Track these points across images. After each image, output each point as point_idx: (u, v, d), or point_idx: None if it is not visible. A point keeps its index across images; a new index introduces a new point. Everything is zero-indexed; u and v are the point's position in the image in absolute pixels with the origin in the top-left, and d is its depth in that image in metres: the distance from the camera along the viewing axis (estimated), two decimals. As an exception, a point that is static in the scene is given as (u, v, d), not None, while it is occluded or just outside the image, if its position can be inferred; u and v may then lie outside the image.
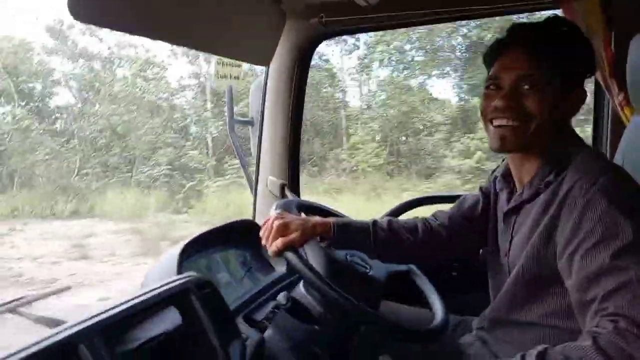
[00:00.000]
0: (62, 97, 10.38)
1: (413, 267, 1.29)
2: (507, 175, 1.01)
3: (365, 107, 10.93)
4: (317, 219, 1.07)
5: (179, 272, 1.08)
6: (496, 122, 0.89)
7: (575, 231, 0.77)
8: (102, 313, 0.76)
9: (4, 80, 9.26)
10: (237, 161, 1.83)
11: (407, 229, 1.12)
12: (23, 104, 9.54)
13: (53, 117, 10.03)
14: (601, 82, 1.52)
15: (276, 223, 1.00)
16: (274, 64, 1.53)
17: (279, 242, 0.98)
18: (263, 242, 1.02)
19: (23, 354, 0.62)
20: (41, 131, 9.14)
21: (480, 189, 1.14)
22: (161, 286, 0.90)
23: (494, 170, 1.10)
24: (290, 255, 0.96)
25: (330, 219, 1.08)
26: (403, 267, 1.27)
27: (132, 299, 0.83)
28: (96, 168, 8.98)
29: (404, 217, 1.60)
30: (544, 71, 0.85)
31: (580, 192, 0.78)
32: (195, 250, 1.24)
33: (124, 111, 9.51)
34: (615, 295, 0.70)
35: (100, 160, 9.10)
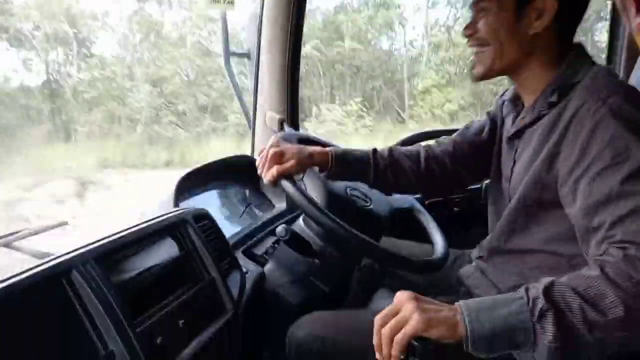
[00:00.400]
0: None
1: (415, 203, 1.26)
2: (514, 99, 0.96)
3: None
4: (315, 148, 1.03)
5: (176, 205, 1.06)
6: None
7: (582, 155, 0.73)
8: (96, 242, 0.74)
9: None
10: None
11: (409, 156, 1.08)
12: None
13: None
14: (617, 3, 1.43)
15: (271, 151, 0.96)
16: (269, -11, 1.43)
17: (274, 170, 0.94)
18: (259, 171, 0.98)
19: (14, 280, 0.60)
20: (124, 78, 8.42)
21: (488, 113, 1.08)
22: (157, 217, 0.87)
23: (502, 94, 1.05)
24: (285, 183, 0.93)
25: (329, 148, 1.04)
26: (406, 204, 1.25)
27: (128, 229, 0.81)
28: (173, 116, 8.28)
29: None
30: None
31: (588, 113, 0.74)
32: (191, 185, 1.21)
33: (193, 55, 8.57)
34: (624, 222, 0.67)
35: (181, 108, 8.41)
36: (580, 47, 0.86)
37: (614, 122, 0.71)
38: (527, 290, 0.65)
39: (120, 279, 0.73)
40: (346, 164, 1.03)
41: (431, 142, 1.14)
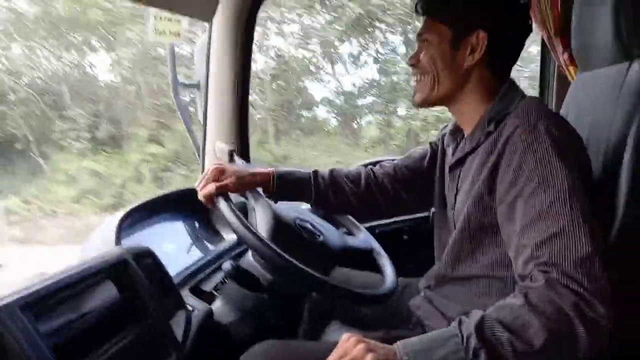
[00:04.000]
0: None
1: (373, 242, 1.23)
2: (455, 132, 1.01)
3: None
4: (257, 168, 1.03)
5: (117, 243, 1.01)
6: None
7: (516, 176, 0.78)
8: (28, 288, 0.69)
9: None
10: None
11: (349, 177, 1.10)
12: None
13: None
14: (545, 40, 1.54)
15: (212, 168, 0.96)
16: (217, 20, 1.43)
17: (212, 186, 0.94)
18: (198, 189, 0.98)
19: None
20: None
21: (430, 144, 1.13)
22: (94, 259, 0.83)
23: (443, 128, 1.09)
24: (221, 202, 0.91)
25: (270, 169, 1.05)
26: (362, 244, 1.20)
27: (63, 273, 0.76)
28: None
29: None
30: (431, 25, 0.90)
31: (520, 137, 0.79)
32: (136, 220, 1.16)
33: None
34: (548, 243, 0.71)
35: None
36: (512, 82, 0.92)
37: (543, 145, 0.76)
38: (460, 324, 0.68)
39: (52, 327, 0.69)
40: (287, 185, 1.05)
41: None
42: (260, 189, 1.06)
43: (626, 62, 0.89)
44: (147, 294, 0.86)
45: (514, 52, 0.92)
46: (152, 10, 1.42)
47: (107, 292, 0.82)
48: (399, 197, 1.12)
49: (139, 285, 0.85)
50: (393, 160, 1.18)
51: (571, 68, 1.43)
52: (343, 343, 0.69)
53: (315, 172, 1.08)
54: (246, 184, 1.01)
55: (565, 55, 1.46)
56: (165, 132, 6.19)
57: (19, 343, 0.62)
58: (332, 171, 1.10)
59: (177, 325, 0.90)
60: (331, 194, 1.08)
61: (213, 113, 1.55)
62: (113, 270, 0.82)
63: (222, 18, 1.41)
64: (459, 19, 0.88)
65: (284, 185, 1.04)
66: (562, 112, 1.11)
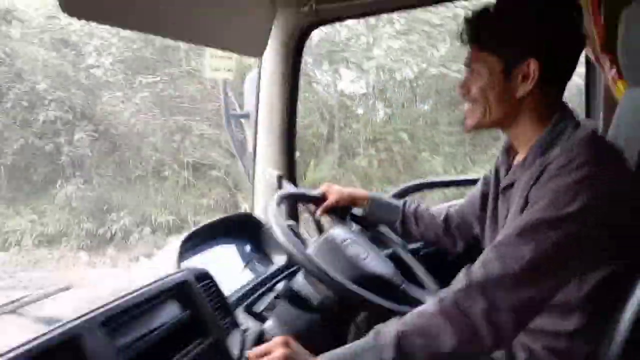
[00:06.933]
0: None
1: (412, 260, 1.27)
2: (508, 150, 1.01)
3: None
4: (356, 190, 1.32)
5: (179, 266, 1.09)
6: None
7: (534, 202, 0.80)
8: (103, 306, 0.77)
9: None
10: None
11: (431, 212, 1.25)
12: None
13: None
14: (592, 57, 1.52)
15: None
16: (266, 55, 1.52)
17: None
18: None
19: (25, 348, 0.62)
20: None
21: (483, 177, 1.15)
22: (161, 279, 0.90)
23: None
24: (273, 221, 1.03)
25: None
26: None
27: (132, 292, 0.83)
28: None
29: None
30: (479, 56, 0.89)
31: (557, 166, 0.79)
32: (194, 244, 1.24)
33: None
34: (490, 264, 0.76)
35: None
36: (565, 107, 0.90)
37: (569, 177, 0.76)
38: (377, 335, 0.75)
39: (125, 343, 0.75)
40: (380, 206, 1.28)
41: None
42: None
43: None
44: (207, 313, 0.92)
45: (568, 74, 0.91)
46: (209, 50, 1.54)
47: (171, 311, 0.88)
48: (470, 231, 1.19)
49: (200, 305, 0.91)
50: (442, 183, 1.27)
51: (619, 83, 1.40)
52: (271, 343, 0.78)
53: (405, 201, 1.28)
54: (345, 201, 1.27)
55: (613, 72, 1.44)
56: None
57: (102, 356, 0.69)
58: (418, 204, 1.28)
59: (233, 344, 0.95)
60: (414, 223, 1.24)
61: (262, 141, 1.63)
62: (177, 290, 0.89)
63: (271, 54, 1.51)
64: (509, 49, 0.86)
65: (377, 207, 1.27)
66: (611, 132, 1.10)
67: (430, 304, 0.77)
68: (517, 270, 0.73)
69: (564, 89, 0.92)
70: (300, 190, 1.41)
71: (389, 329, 0.75)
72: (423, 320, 0.75)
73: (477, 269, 0.77)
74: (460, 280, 0.77)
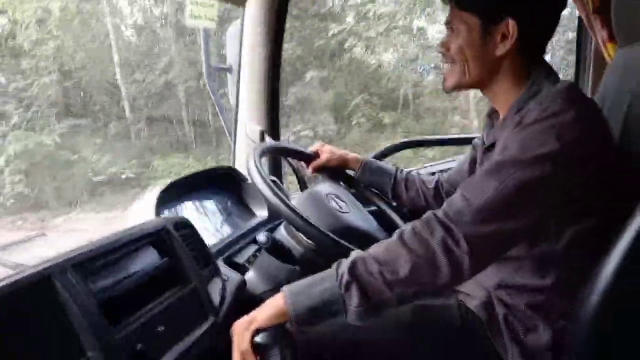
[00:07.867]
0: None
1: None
2: (491, 114, 1.01)
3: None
4: (349, 153, 1.30)
5: (157, 214, 1.06)
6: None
7: (504, 147, 0.79)
8: (76, 249, 0.74)
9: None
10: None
11: (422, 180, 1.26)
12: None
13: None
14: (584, 19, 1.50)
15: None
16: (250, 5, 1.46)
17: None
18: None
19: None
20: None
21: (473, 144, 1.16)
22: (138, 225, 0.88)
23: None
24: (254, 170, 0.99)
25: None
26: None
27: (109, 237, 0.81)
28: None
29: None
30: (459, 14, 0.88)
31: (529, 118, 0.78)
32: (172, 196, 1.21)
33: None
34: (458, 202, 0.76)
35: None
36: (546, 66, 0.89)
37: (536, 135, 0.75)
38: (338, 265, 0.76)
39: (100, 286, 0.74)
40: (372, 171, 1.27)
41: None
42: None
43: None
44: (187, 260, 0.90)
45: (547, 34, 0.89)
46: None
47: (149, 257, 0.86)
48: None
49: (179, 252, 0.90)
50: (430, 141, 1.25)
51: (609, 45, 1.40)
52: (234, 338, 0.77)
53: (397, 167, 1.29)
54: (337, 162, 1.26)
55: (604, 33, 1.43)
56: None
57: (74, 298, 0.67)
58: (410, 171, 1.29)
59: (214, 292, 0.94)
60: (404, 188, 1.26)
61: (245, 95, 1.58)
62: (155, 236, 0.87)
63: (255, 4, 1.44)
64: (488, 8, 0.86)
65: (369, 170, 1.26)
66: (598, 95, 1.09)
67: (392, 237, 0.78)
68: (479, 204, 0.74)
69: (544, 49, 0.91)
70: (293, 145, 1.38)
71: (349, 258, 0.76)
72: (381, 249, 0.76)
73: (442, 207, 0.77)
74: (424, 216, 0.77)
